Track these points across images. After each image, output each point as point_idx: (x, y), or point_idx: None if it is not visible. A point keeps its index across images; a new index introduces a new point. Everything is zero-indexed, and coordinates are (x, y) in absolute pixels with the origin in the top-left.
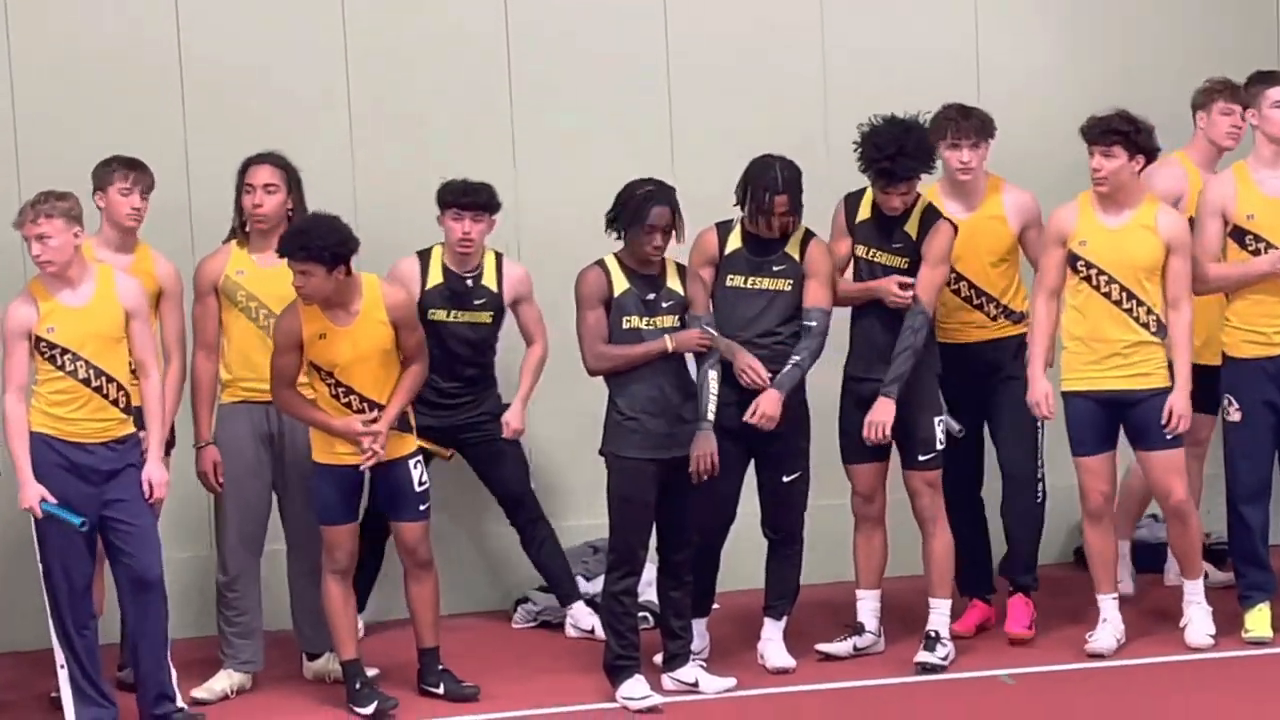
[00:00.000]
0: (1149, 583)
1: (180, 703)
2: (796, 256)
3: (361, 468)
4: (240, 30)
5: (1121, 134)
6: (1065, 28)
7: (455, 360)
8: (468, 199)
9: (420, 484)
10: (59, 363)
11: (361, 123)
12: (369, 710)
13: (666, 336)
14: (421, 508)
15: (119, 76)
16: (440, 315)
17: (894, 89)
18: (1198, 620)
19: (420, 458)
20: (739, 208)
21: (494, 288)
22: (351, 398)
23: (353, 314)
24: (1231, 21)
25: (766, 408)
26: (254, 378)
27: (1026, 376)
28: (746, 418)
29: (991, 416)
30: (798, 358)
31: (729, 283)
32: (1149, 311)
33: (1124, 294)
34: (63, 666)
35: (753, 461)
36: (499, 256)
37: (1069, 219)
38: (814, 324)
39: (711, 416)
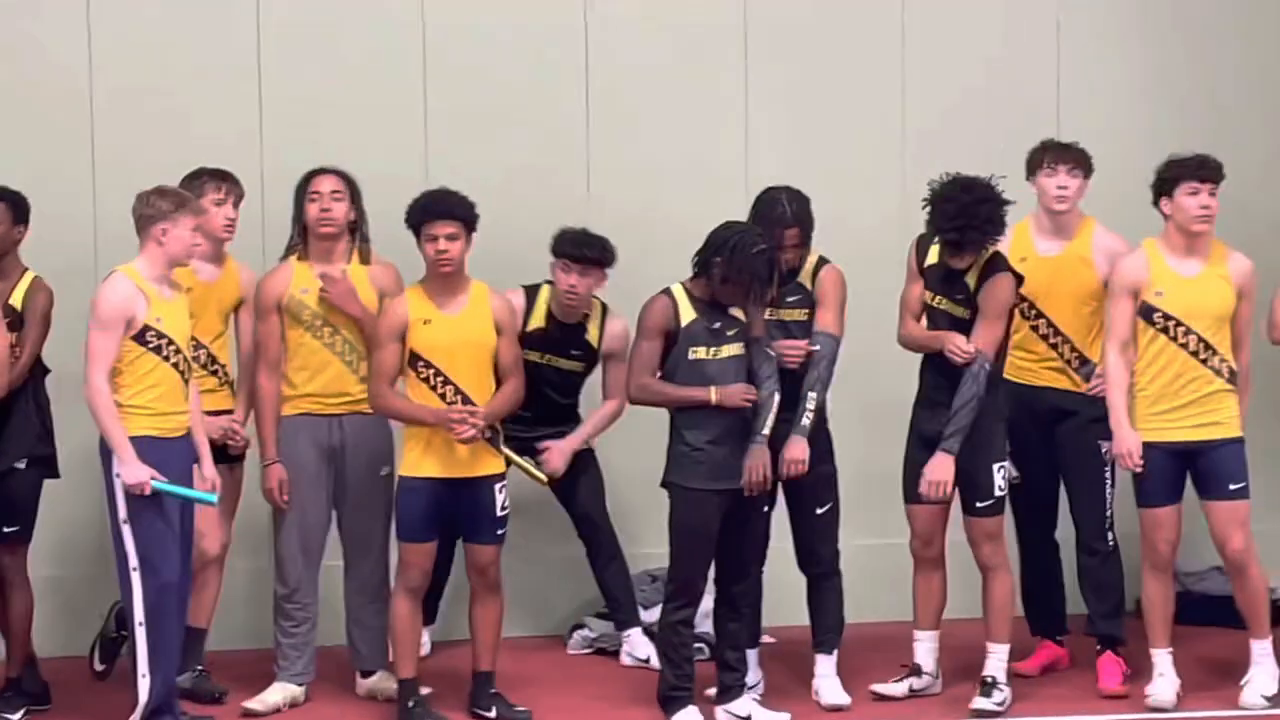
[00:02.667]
0: (1213, 634)
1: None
2: (809, 285)
3: (459, 438)
4: (318, 46)
5: (1222, 175)
6: (1148, 71)
7: (539, 395)
8: (580, 252)
9: (502, 508)
10: (164, 354)
11: (438, 134)
12: None
13: (712, 389)
14: (499, 531)
15: (197, 84)
16: (534, 357)
17: (972, 136)
18: (1257, 680)
19: (505, 483)
20: None
21: (595, 343)
22: (448, 388)
23: (459, 304)
24: None
25: (793, 453)
26: (318, 392)
27: (1098, 426)
28: (781, 476)
29: (1061, 466)
30: (812, 393)
31: None
32: (1222, 360)
33: (1201, 344)
34: (144, 676)
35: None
36: (604, 308)
37: (1140, 269)
38: (818, 348)
39: (766, 431)
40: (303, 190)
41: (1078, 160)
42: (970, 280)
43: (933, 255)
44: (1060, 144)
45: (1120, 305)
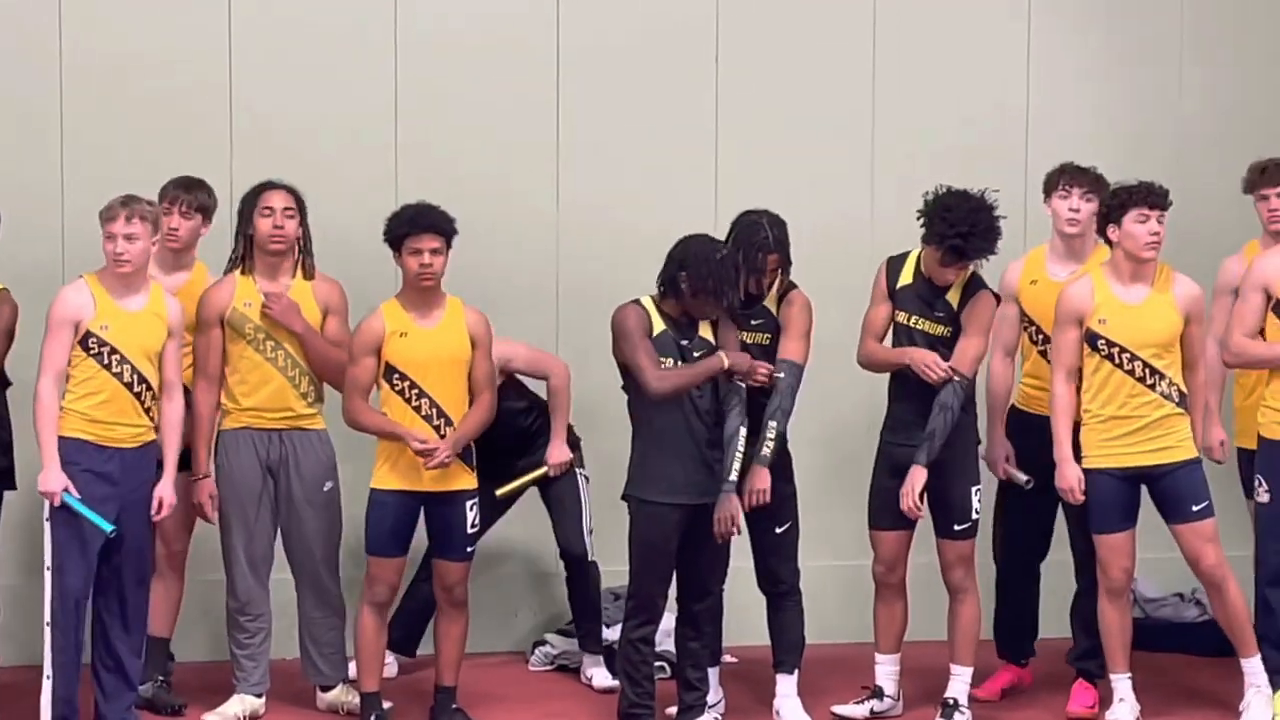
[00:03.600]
0: (1172, 660)
1: None
2: (774, 310)
3: (428, 467)
4: (289, 58)
5: (1170, 202)
6: (1117, 89)
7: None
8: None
9: (472, 525)
10: (106, 362)
11: (408, 149)
12: None
13: (721, 353)
14: (468, 549)
15: (166, 94)
16: None
17: (943, 153)
18: (1255, 707)
19: (476, 500)
20: None
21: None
22: (423, 401)
23: (435, 319)
24: None
25: (756, 483)
26: (258, 406)
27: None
28: (744, 507)
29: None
30: (773, 423)
31: None
32: (1170, 383)
33: (1147, 370)
34: (48, 678)
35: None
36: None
37: (1085, 297)
38: (782, 375)
39: (734, 477)
40: (252, 204)
41: (1093, 185)
42: (952, 298)
43: (905, 276)
44: (1078, 167)
45: (1066, 334)
